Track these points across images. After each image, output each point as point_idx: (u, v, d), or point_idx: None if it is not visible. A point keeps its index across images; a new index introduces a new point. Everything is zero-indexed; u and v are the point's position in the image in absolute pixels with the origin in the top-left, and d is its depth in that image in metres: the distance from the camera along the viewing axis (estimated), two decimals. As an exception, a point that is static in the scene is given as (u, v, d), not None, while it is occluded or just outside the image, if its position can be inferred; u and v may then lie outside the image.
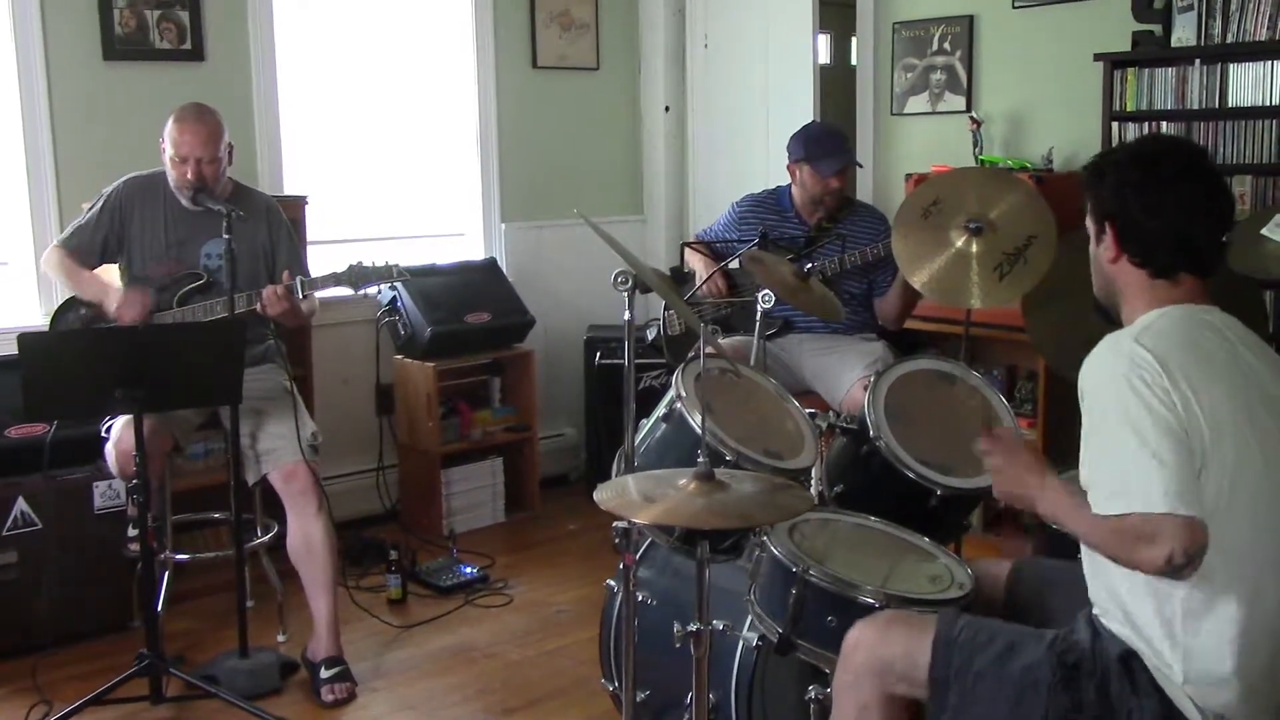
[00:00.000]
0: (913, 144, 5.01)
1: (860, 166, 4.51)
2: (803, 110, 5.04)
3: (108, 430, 3.48)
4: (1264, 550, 1.87)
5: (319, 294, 3.62)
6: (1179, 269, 2.01)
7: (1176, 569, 1.77)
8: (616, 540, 2.47)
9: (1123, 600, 1.92)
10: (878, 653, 2.07)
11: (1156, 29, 4.14)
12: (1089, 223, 2.11)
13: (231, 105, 4.13)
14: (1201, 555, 1.78)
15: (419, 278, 4.51)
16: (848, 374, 3.84)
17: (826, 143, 4.01)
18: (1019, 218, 3.23)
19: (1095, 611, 1.99)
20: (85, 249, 3.60)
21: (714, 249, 4.19)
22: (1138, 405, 1.84)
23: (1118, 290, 2.07)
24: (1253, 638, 1.86)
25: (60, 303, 3.68)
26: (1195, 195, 2.01)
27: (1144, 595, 1.88)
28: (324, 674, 3.40)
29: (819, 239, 4.02)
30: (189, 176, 3.47)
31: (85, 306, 3.59)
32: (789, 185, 4.13)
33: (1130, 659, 1.91)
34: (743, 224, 4.13)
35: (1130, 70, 4.14)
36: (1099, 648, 1.94)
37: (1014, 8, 4.61)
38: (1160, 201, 2.00)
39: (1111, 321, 2.11)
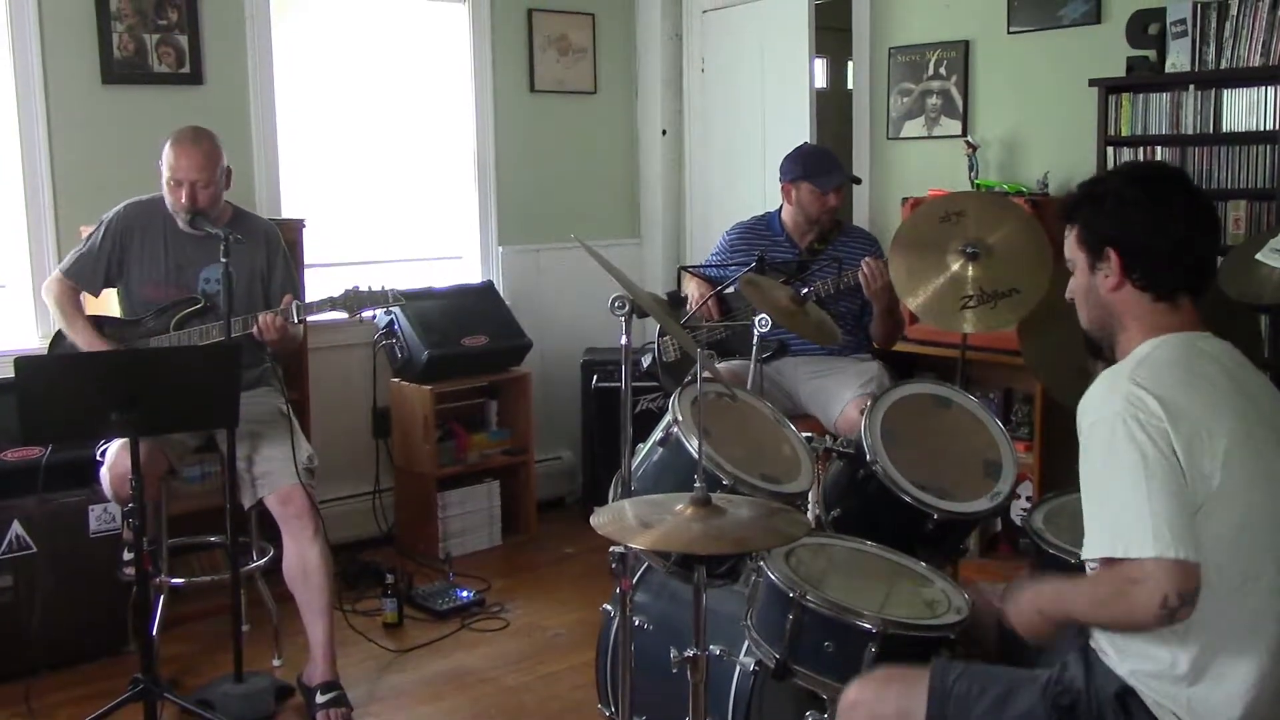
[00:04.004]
0: (909, 168, 5.02)
1: (859, 181, 4.53)
2: (799, 134, 5.05)
3: (103, 453, 3.48)
4: (1271, 579, 1.85)
5: (314, 317, 3.62)
6: (1182, 289, 1.99)
7: (1171, 611, 1.75)
8: (613, 564, 2.46)
9: (1122, 636, 1.91)
10: (875, 711, 2.04)
11: (1151, 54, 4.16)
12: (1078, 252, 2.06)
13: (230, 128, 4.15)
14: (1195, 597, 1.76)
15: (416, 301, 4.51)
16: (842, 395, 3.84)
17: (823, 160, 4.04)
18: (1018, 268, 3.20)
19: (1092, 644, 1.97)
20: (88, 277, 3.61)
21: (710, 276, 4.20)
22: (1130, 448, 1.82)
23: (1115, 319, 2.03)
24: (1263, 670, 1.84)
25: (58, 327, 3.68)
26: (1194, 210, 2.01)
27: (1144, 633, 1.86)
28: (320, 699, 3.39)
29: (811, 262, 4.04)
30: (184, 200, 3.47)
31: None
32: (778, 210, 4.16)
33: (1127, 696, 1.89)
34: (734, 251, 4.15)
35: (1125, 95, 4.17)
36: (1094, 687, 1.92)
37: (1009, 33, 4.63)
38: (1166, 219, 1.98)
39: (1101, 357, 2.09)
